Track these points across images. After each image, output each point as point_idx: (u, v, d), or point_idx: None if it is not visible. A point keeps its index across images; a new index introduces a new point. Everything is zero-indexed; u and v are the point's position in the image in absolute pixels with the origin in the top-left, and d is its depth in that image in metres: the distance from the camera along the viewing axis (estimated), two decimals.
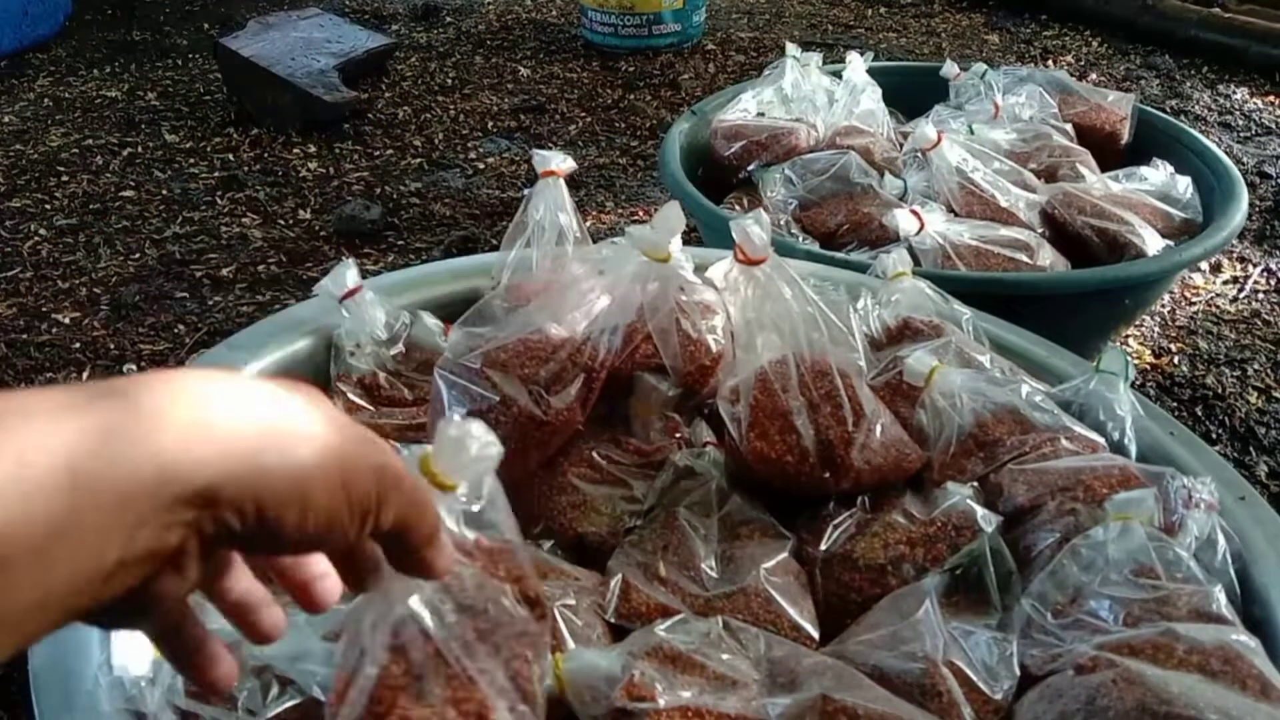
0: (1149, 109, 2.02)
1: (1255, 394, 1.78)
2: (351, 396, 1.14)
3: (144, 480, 0.33)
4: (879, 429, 1.00)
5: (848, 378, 1.00)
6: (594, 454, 1.03)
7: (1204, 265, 2.20)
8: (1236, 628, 0.82)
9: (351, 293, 1.15)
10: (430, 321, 1.22)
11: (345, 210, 2.37)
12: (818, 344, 0.99)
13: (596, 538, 0.97)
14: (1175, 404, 1.75)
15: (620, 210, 2.53)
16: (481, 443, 0.53)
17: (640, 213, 2.50)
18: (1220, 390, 1.78)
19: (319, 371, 1.16)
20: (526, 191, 1.18)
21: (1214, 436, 1.66)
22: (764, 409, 0.99)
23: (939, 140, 1.55)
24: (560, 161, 1.16)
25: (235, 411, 0.37)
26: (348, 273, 1.15)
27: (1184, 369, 1.85)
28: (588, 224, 2.44)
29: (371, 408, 1.15)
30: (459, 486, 0.53)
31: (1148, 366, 1.86)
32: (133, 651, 0.69)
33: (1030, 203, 1.62)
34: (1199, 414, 1.72)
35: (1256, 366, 1.86)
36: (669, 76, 3.56)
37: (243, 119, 3.05)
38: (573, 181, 2.68)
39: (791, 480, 0.99)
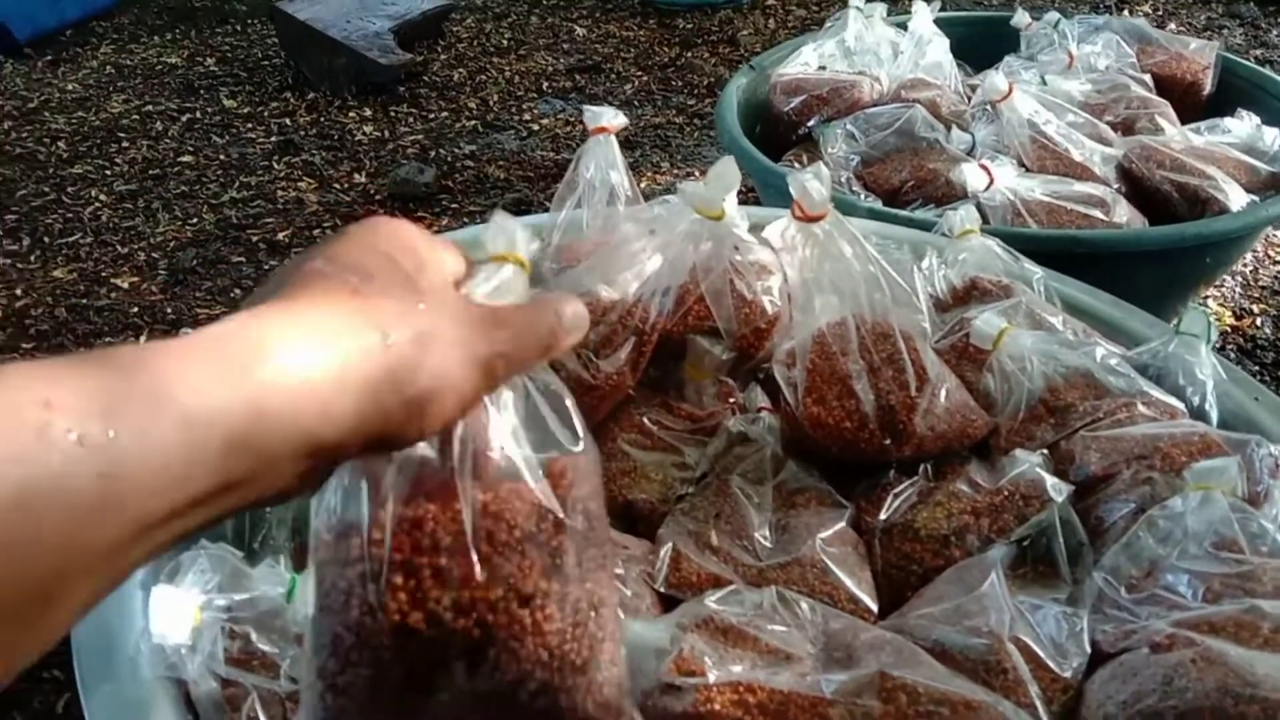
0: (1233, 57, 1.91)
1: None
2: None
3: (295, 446, 0.36)
4: (943, 394, 0.96)
5: (911, 340, 0.96)
6: (645, 419, 1.01)
7: None
8: None
9: None
10: None
11: (400, 174, 2.36)
12: (879, 305, 0.95)
13: (647, 505, 0.94)
14: (1258, 368, 1.66)
15: (676, 170, 2.48)
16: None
17: (697, 173, 2.45)
18: None
19: None
20: (578, 151, 1.14)
21: None
22: (822, 373, 0.95)
23: (1010, 91, 1.48)
24: (612, 118, 1.12)
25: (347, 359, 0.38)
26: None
27: (1267, 331, 1.76)
28: (642, 185, 2.40)
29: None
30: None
31: (1229, 328, 1.78)
32: (173, 618, 0.68)
33: (1106, 157, 1.55)
34: None
35: None
36: (727, 33, 3.49)
37: (300, 83, 3.06)
38: (628, 142, 2.65)
39: (850, 447, 0.95)
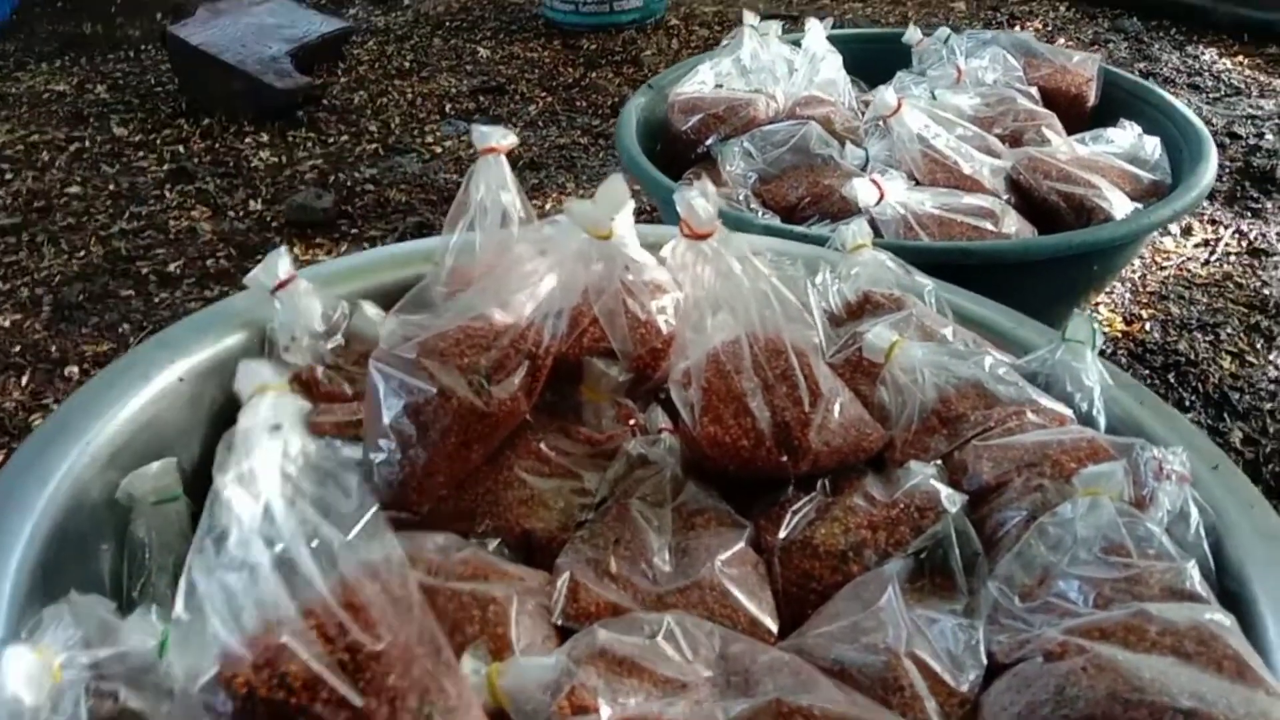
0: (1115, 70, 1.98)
1: (1229, 359, 1.75)
2: None
3: None
4: (837, 408, 0.96)
5: (804, 356, 0.96)
6: (542, 445, 0.98)
7: (1174, 229, 2.16)
8: (1211, 606, 0.78)
9: (284, 283, 1.10)
10: (371, 311, 1.17)
11: (296, 200, 2.30)
12: (771, 322, 0.95)
13: (546, 534, 0.92)
14: (1148, 371, 1.71)
15: (581, 191, 2.47)
16: None
17: None
18: (1193, 356, 1.75)
19: None
20: (468, 171, 1.12)
21: (1187, 404, 1.63)
22: (717, 392, 0.94)
23: (899, 106, 1.50)
24: (500, 137, 1.10)
25: None
26: (280, 262, 1.10)
27: (1156, 335, 1.82)
28: (548, 206, 2.39)
29: (310, 404, 1.09)
30: None
31: (1119, 334, 1.83)
32: (29, 679, 0.64)
33: (995, 169, 1.58)
34: (1172, 381, 1.69)
35: (1229, 330, 1.83)
36: (631, 53, 3.50)
37: (194, 110, 2.98)
38: (533, 163, 2.63)
39: (748, 465, 0.94)
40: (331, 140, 2.79)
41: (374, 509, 0.63)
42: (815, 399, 0.94)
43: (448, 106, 3.05)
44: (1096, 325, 1.04)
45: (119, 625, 0.73)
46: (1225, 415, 1.60)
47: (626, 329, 1.00)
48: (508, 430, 0.97)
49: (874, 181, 1.37)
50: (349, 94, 3.14)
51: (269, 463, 0.60)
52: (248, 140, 2.77)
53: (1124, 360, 1.75)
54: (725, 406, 0.94)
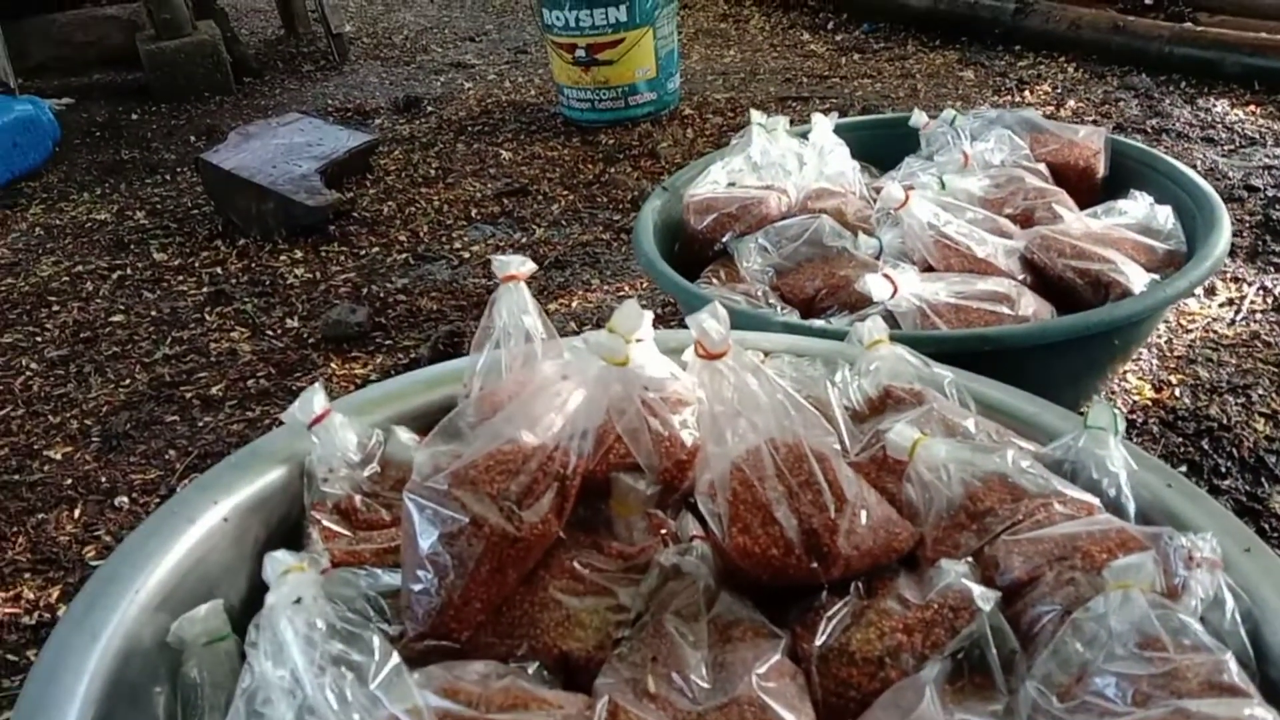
0: (1122, 139, 2.00)
1: (1262, 420, 1.74)
2: (327, 524, 1.11)
3: None
4: (864, 513, 0.97)
5: (825, 460, 0.98)
6: (575, 563, 1.00)
7: (1198, 290, 2.17)
8: (1251, 700, 0.78)
9: (320, 417, 1.14)
10: (405, 436, 1.20)
11: (331, 315, 2.37)
12: (790, 430, 0.97)
13: (583, 653, 0.93)
14: (1180, 439, 1.70)
15: (606, 287, 2.52)
16: None
17: (626, 288, 2.49)
18: (1226, 420, 1.74)
19: (294, 501, 1.14)
20: (490, 298, 1.16)
21: (1223, 470, 1.62)
22: (744, 502, 0.96)
23: (907, 199, 1.54)
24: (519, 265, 1.15)
25: None
26: (315, 398, 1.14)
27: (1186, 401, 1.81)
28: (573, 304, 2.44)
29: (349, 533, 1.12)
30: None
31: (1149, 402, 1.82)
32: None
33: (1009, 249, 1.60)
34: (1205, 447, 1.67)
35: (1261, 391, 1.82)
36: (648, 146, 3.59)
37: (229, 230, 3.08)
38: (558, 262, 2.70)
39: (780, 573, 0.95)
40: (363, 252, 2.87)
41: (395, 663, 0.66)
42: (841, 504, 0.96)
43: (473, 211, 3.14)
44: (1118, 411, 1.05)
45: None
46: (1263, 480, 1.58)
47: (650, 444, 1.02)
48: (541, 552, 0.99)
49: (886, 276, 1.40)
50: (378, 205, 3.24)
51: (293, 634, 0.64)
52: (283, 258, 2.86)
53: (1155, 429, 1.74)
54: (753, 516, 0.95)
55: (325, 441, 1.14)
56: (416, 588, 0.95)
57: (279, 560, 0.69)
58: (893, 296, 1.39)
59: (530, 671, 0.91)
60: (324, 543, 1.10)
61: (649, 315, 1.09)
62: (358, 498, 1.14)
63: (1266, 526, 1.50)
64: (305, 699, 0.65)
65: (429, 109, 4.34)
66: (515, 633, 0.96)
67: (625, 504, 1.05)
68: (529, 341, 1.19)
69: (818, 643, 0.93)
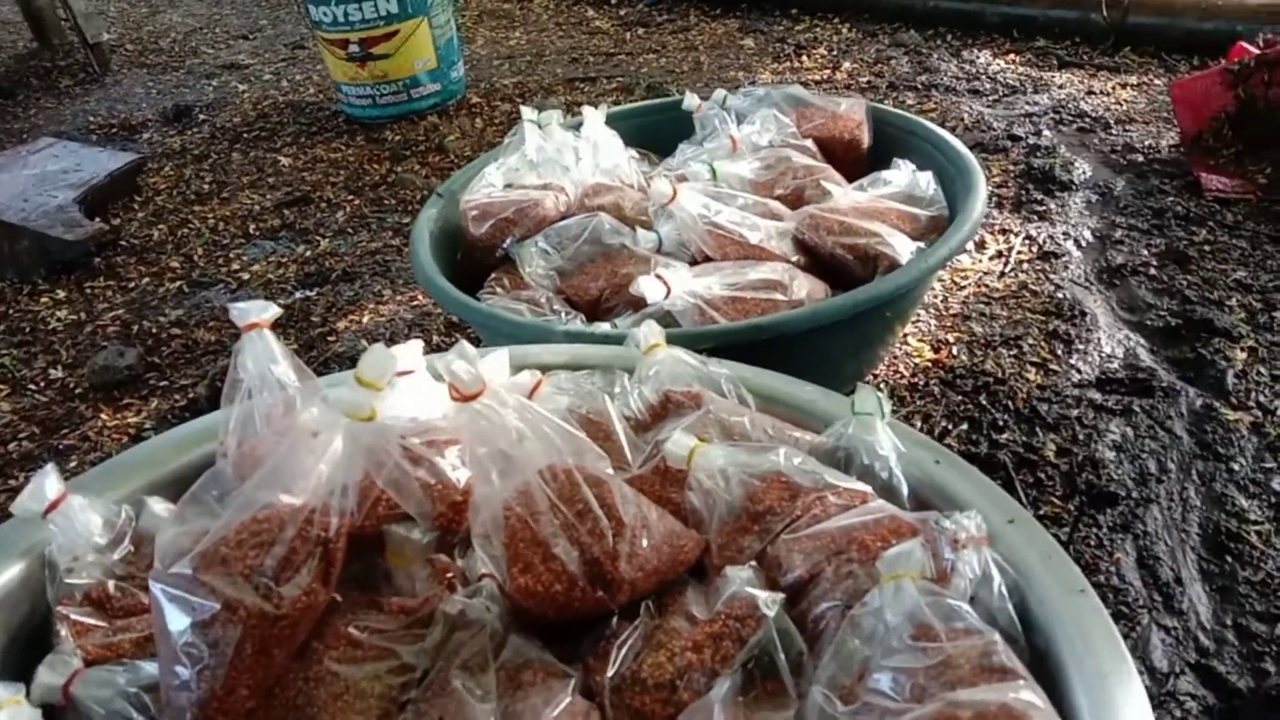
0: (883, 107, 2.06)
1: (1033, 370, 1.83)
2: (77, 617, 1.01)
3: None
4: (645, 533, 0.96)
5: (600, 485, 0.95)
6: (352, 629, 0.94)
7: (962, 252, 2.26)
8: (1019, 682, 0.80)
9: (55, 503, 1.03)
10: (159, 507, 1.11)
11: (98, 361, 2.19)
12: (559, 462, 0.94)
13: None
14: (960, 397, 1.77)
15: (399, 298, 2.43)
16: None
17: (420, 297, 2.41)
18: (1000, 373, 1.82)
19: (38, 597, 1.03)
20: (234, 348, 1.08)
21: (1000, 424, 1.69)
22: (522, 540, 0.93)
23: (674, 194, 1.53)
24: (261, 311, 1.07)
25: None
26: (46, 482, 1.03)
27: (964, 358, 1.88)
28: (364, 319, 2.34)
29: (105, 624, 1.03)
30: None
31: (929, 364, 1.89)
32: None
33: (781, 231, 1.62)
34: (984, 403, 1.75)
35: (1030, 341, 1.91)
36: (435, 140, 3.49)
37: None
38: (347, 274, 2.58)
39: (566, 608, 0.93)
40: (132, 285, 2.67)
41: None
42: (619, 528, 0.93)
43: (251, 227, 2.97)
44: (880, 395, 1.07)
45: None
46: (1037, 429, 1.67)
47: (419, 492, 0.97)
48: (310, 624, 0.93)
49: (659, 276, 1.38)
50: (147, 230, 3.02)
51: None
52: (43, 300, 2.63)
53: (936, 389, 1.80)
54: (532, 553, 0.92)
55: (65, 529, 1.03)
56: (174, 682, 0.87)
57: None
58: (667, 297, 1.37)
59: None
60: (76, 639, 1.00)
61: (411, 349, 1.04)
62: (110, 583, 1.05)
63: (1043, 476, 1.57)
64: None
65: (201, 117, 4.08)
66: (289, 717, 0.89)
67: (402, 556, 1.00)
68: (283, 390, 1.12)
69: (609, 673, 0.91)
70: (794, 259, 1.58)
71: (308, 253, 2.75)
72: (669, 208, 1.54)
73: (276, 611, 0.88)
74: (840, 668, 0.86)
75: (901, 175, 1.78)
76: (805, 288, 1.48)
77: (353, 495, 0.94)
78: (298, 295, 2.51)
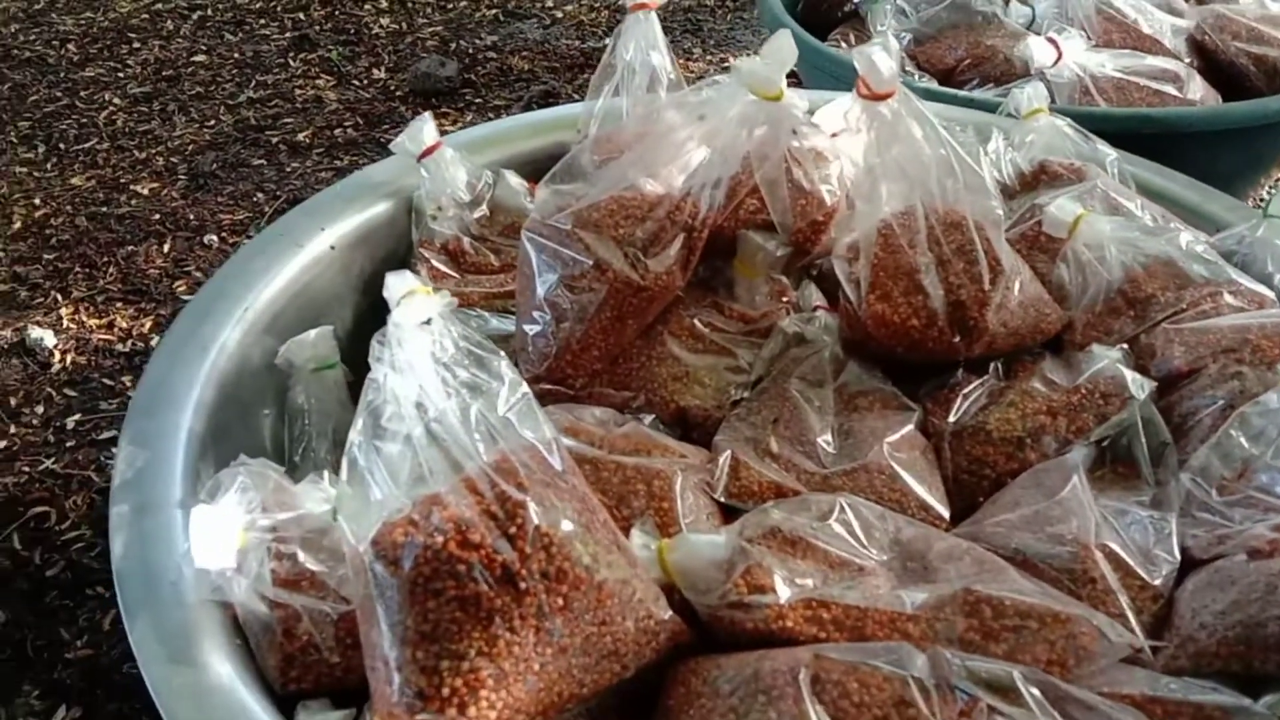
0: None
1: None
2: (436, 263, 1.07)
3: None
4: (1017, 287, 0.90)
5: (984, 229, 0.89)
6: (695, 321, 0.95)
7: None
8: None
9: (430, 150, 1.07)
10: (514, 181, 1.14)
11: (420, 68, 2.26)
12: (950, 191, 0.88)
13: (700, 411, 0.90)
14: None
15: (709, 57, 2.37)
16: None
17: (731, 58, 2.34)
18: None
19: (400, 237, 1.09)
20: (615, 31, 1.06)
21: None
22: (886, 267, 0.89)
23: None
24: None
25: None
26: (425, 128, 1.07)
27: None
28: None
29: (457, 275, 1.08)
30: None
31: None
32: (218, 541, 0.65)
33: (1176, 29, 1.44)
34: None
35: None
36: None
37: None
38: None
39: (916, 346, 0.89)
40: (450, 6, 2.72)
41: (524, 391, 0.63)
42: (995, 276, 0.88)
43: None
44: None
45: (293, 490, 0.74)
46: None
47: (789, 199, 0.95)
48: (663, 305, 0.94)
49: (1051, 40, 1.26)
50: None
51: (421, 352, 0.62)
52: (367, 6, 2.72)
53: None
54: (895, 283, 0.88)
55: (435, 176, 1.07)
56: (532, 330, 0.91)
57: (405, 279, 0.64)
58: (1055, 64, 1.25)
59: (645, 423, 0.87)
60: (433, 282, 1.06)
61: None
62: (465, 240, 1.09)
63: None
64: (434, 417, 0.61)
65: None
66: (631, 385, 0.92)
67: (751, 264, 0.98)
68: (654, 84, 1.10)
69: (951, 419, 0.88)
70: (1186, 61, 1.41)
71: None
72: None
73: (641, 281, 0.89)
74: (1220, 460, 0.80)
75: None
76: (1200, 91, 1.32)
77: (724, 189, 0.93)
78: (606, 41, 2.50)
